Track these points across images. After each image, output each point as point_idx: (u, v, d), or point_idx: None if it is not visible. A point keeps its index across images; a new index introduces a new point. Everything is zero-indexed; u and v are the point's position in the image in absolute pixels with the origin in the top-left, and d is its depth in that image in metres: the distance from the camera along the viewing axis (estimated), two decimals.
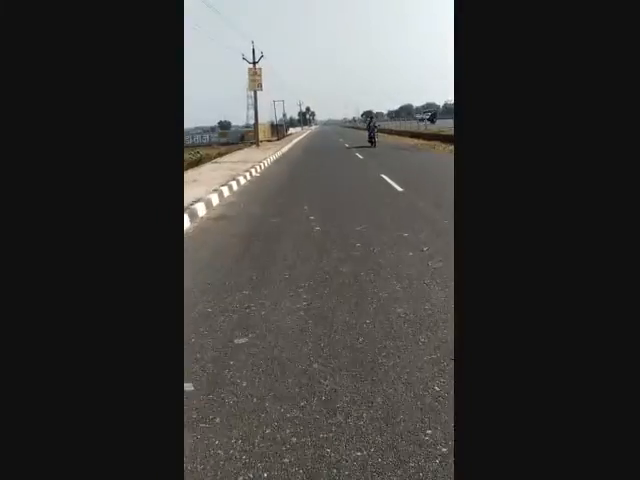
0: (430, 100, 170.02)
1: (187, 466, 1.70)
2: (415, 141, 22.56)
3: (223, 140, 38.55)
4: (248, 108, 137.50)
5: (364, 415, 1.96)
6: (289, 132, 61.06)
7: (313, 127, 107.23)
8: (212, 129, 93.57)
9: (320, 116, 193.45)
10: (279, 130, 49.04)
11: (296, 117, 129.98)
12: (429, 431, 1.85)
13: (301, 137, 36.90)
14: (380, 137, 21.49)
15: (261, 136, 41.05)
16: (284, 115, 60.03)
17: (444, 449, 1.75)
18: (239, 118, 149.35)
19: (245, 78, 24.14)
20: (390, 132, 33.52)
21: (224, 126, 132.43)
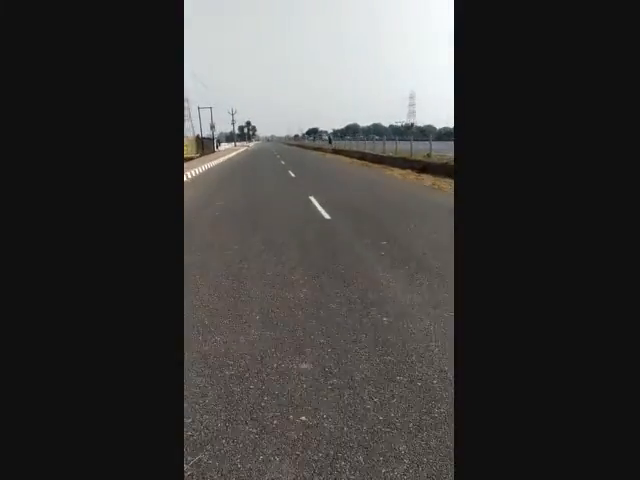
0: (377, 121, 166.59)
1: None
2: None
3: None
4: (185, 120, 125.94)
5: None
6: (220, 148, 50.28)
7: (252, 143, 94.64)
8: None
9: (262, 132, 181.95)
10: (205, 145, 39.19)
11: (237, 131, 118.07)
12: None
13: (217, 162, 25.10)
14: None
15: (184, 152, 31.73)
16: (212, 127, 48.18)
17: None
18: None
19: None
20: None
21: None
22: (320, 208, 7.47)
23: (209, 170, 17.60)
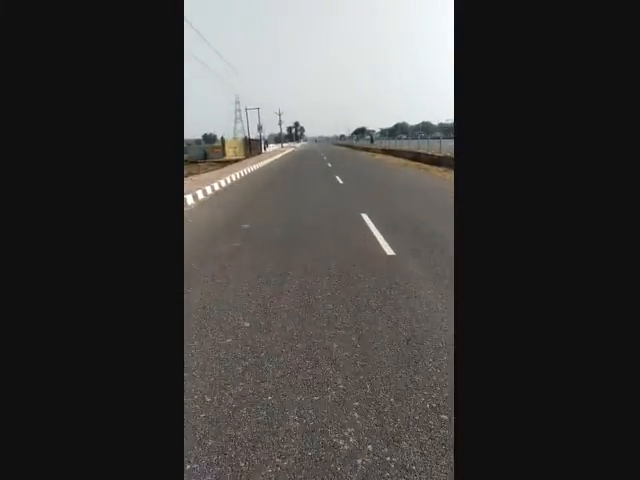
0: (426, 119, 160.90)
1: None
2: None
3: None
4: (236, 121, 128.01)
5: None
6: (268, 149, 49.59)
7: (299, 144, 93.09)
8: (197, 142, 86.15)
9: (310, 132, 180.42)
10: (252, 146, 38.77)
11: (285, 132, 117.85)
12: None
13: (258, 166, 22.21)
14: None
15: (230, 153, 32.27)
16: (260, 128, 47.01)
17: None
18: (227, 132, 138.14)
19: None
20: None
21: (209, 139, 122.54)
22: (378, 235, 5.40)
23: (247, 176, 16.00)
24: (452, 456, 1.66)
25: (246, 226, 6.36)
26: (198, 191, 9.76)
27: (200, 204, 8.86)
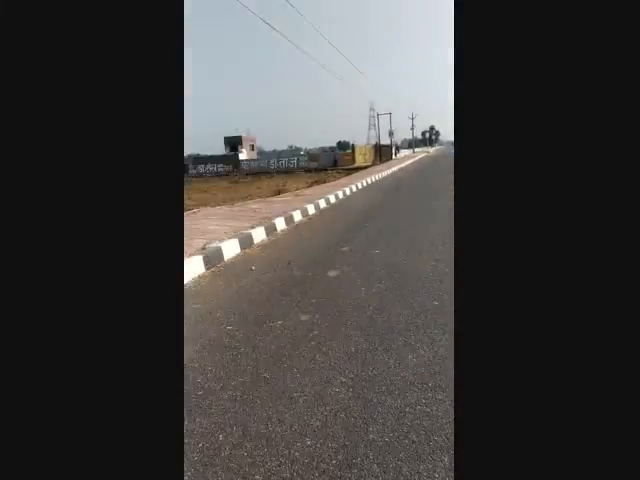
0: None
1: None
2: None
3: (313, 165, 32.40)
4: (369, 128, 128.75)
5: None
6: (399, 155, 47.51)
7: (433, 149, 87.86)
8: (331, 149, 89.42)
9: (447, 136, 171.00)
10: (383, 152, 37.52)
11: (420, 137, 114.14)
12: None
13: (380, 176, 19.58)
14: None
15: (360, 159, 32.05)
16: (391, 133, 45.14)
17: None
18: (362, 138, 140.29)
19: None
20: None
21: (342, 146, 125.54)
22: None
23: (361, 190, 14.29)
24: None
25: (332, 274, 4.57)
26: (278, 219, 7.25)
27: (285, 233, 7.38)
